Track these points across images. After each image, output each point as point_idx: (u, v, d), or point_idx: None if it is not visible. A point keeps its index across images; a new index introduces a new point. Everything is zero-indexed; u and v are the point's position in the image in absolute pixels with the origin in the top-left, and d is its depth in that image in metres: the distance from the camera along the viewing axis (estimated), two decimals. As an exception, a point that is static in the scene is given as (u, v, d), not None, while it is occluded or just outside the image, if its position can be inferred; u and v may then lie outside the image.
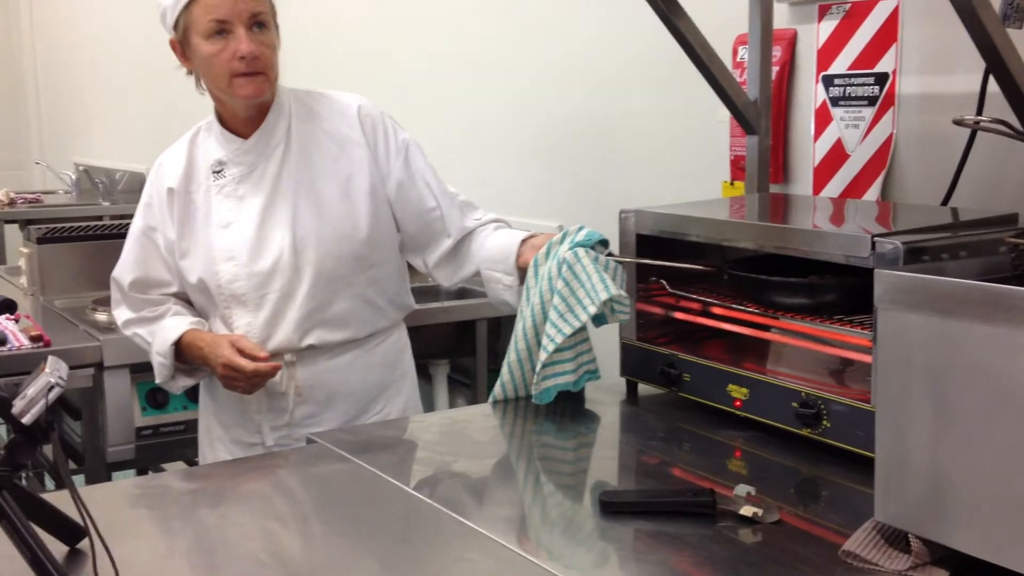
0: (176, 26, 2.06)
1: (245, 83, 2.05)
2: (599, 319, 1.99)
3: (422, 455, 1.85)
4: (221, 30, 2.01)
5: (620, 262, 1.98)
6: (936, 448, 1.24)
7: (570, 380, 1.98)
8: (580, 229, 1.98)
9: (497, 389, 2.03)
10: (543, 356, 1.94)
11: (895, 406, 1.29)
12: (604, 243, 2.00)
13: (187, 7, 2.02)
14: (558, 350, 1.94)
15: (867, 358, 1.61)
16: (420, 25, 3.70)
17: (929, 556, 1.28)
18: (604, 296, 1.90)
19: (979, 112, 1.88)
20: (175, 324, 2.15)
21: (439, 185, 2.22)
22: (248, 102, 2.09)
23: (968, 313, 1.21)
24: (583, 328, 1.97)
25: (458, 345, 3.14)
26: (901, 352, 1.28)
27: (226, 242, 2.12)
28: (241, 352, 2.06)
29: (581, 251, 1.94)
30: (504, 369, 2.02)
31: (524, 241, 2.11)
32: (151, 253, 2.20)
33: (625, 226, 2.00)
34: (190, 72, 2.14)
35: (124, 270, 2.23)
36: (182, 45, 2.08)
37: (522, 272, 2.06)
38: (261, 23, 2.04)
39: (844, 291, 1.74)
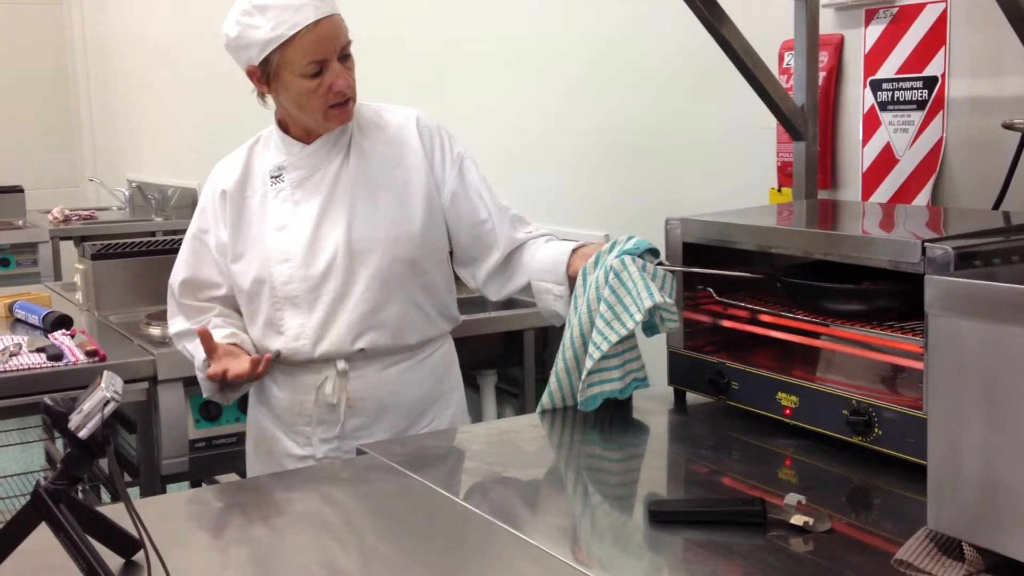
0: (266, 61, 2.05)
1: (338, 113, 2.10)
2: (650, 329, 1.99)
3: (471, 465, 1.85)
4: (319, 70, 2.04)
5: (671, 271, 1.98)
6: (989, 455, 1.23)
7: (616, 387, 1.98)
8: (629, 238, 1.98)
9: (545, 399, 2.04)
10: (589, 363, 1.94)
11: (947, 413, 1.28)
12: (654, 252, 2.00)
13: (281, 47, 2.02)
14: (604, 357, 1.94)
15: (918, 365, 1.59)
16: (458, 36, 3.72)
17: (983, 564, 1.26)
18: (649, 303, 1.89)
19: (1030, 115, 1.86)
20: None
21: (492, 198, 2.24)
22: (336, 127, 2.15)
23: (1021, 318, 1.19)
24: (631, 336, 1.97)
25: (506, 355, 3.15)
26: (953, 358, 1.27)
27: (282, 244, 2.15)
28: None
29: (628, 259, 1.94)
30: (552, 378, 2.02)
31: (574, 251, 2.12)
32: (202, 255, 2.23)
33: (671, 235, 2.00)
34: (263, 95, 2.15)
35: (176, 273, 2.27)
36: (266, 75, 2.08)
37: (572, 282, 2.07)
38: (348, 54, 2.09)
39: (901, 297, 1.72)
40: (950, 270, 1.48)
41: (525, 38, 3.40)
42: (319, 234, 2.14)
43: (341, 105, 2.09)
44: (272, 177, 2.19)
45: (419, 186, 2.18)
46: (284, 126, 2.20)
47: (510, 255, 2.23)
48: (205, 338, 2.06)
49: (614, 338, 1.92)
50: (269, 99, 2.17)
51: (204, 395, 2.22)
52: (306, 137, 2.18)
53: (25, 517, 1.30)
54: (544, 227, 2.29)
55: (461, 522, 1.55)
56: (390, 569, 1.42)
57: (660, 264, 1.98)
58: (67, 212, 6.34)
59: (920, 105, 2.11)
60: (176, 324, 2.27)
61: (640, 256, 1.96)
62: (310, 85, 2.05)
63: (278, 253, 2.15)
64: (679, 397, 2.06)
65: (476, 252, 2.24)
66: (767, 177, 2.48)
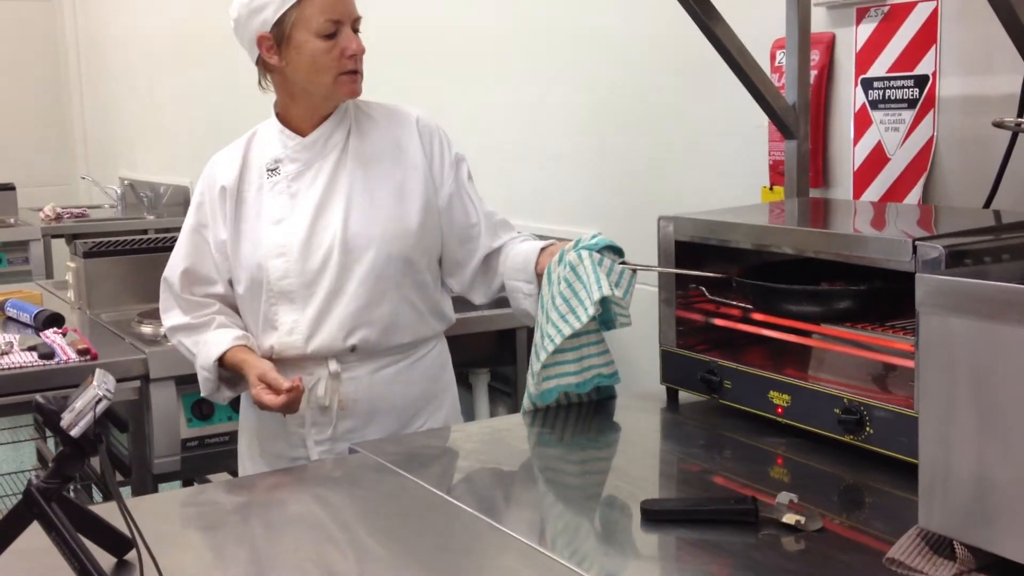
0: (281, 21, 2.06)
1: (348, 81, 2.11)
2: (606, 324, 2.00)
3: (463, 464, 1.85)
4: (334, 31, 2.06)
5: (631, 268, 1.99)
6: (981, 454, 1.23)
7: (572, 382, 1.99)
8: (593, 236, 1.99)
9: (526, 402, 2.04)
10: (543, 356, 1.95)
11: (938, 411, 1.28)
12: (617, 251, 2.01)
13: (299, 3, 2.04)
14: (559, 351, 1.95)
15: (910, 363, 1.60)
16: (448, 31, 3.71)
17: (974, 563, 1.26)
18: (597, 295, 1.90)
19: (1020, 114, 1.86)
20: (219, 338, 2.15)
21: (481, 202, 2.25)
22: (344, 99, 2.16)
23: (1012, 316, 1.20)
24: (594, 331, 1.97)
25: (498, 354, 3.15)
26: (944, 357, 1.27)
27: (278, 238, 2.14)
28: (268, 384, 2.06)
29: (585, 253, 1.96)
30: (529, 381, 2.02)
31: (543, 250, 2.12)
32: (202, 250, 2.22)
33: (664, 233, 2.00)
34: (268, 70, 2.15)
35: (174, 265, 2.24)
36: (279, 39, 2.09)
37: (540, 279, 2.08)
38: (359, 28, 2.12)
39: (855, 298, 1.74)
40: (941, 268, 1.48)
41: (517, 36, 3.40)
42: (315, 228, 2.14)
43: (351, 73, 2.10)
44: (268, 170, 2.18)
45: (417, 185, 2.18)
46: (283, 118, 2.20)
47: (488, 258, 2.23)
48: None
49: (568, 331, 1.93)
50: (268, 86, 2.17)
51: (202, 393, 2.21)
52: (304, 129, 2.17)
53: (17, 516, 1.30)
54: (536, 226, 2.30)
55: (454, 521, 1.55)
56: (384, 569, 1.42)
57: (624, 263, 1.98)
58: (59, 210, 6.32)
59: (911, 104, 2.12)
60: (172, 318, 2.25)
61: (599, 252, 1.96)
62: (325, 46, 2.06)
63: (274, 247, 2.14)
64: (671, 396, 2.06)
65: (462, 255, 2.24)
66: (759, 175, 2.48)
